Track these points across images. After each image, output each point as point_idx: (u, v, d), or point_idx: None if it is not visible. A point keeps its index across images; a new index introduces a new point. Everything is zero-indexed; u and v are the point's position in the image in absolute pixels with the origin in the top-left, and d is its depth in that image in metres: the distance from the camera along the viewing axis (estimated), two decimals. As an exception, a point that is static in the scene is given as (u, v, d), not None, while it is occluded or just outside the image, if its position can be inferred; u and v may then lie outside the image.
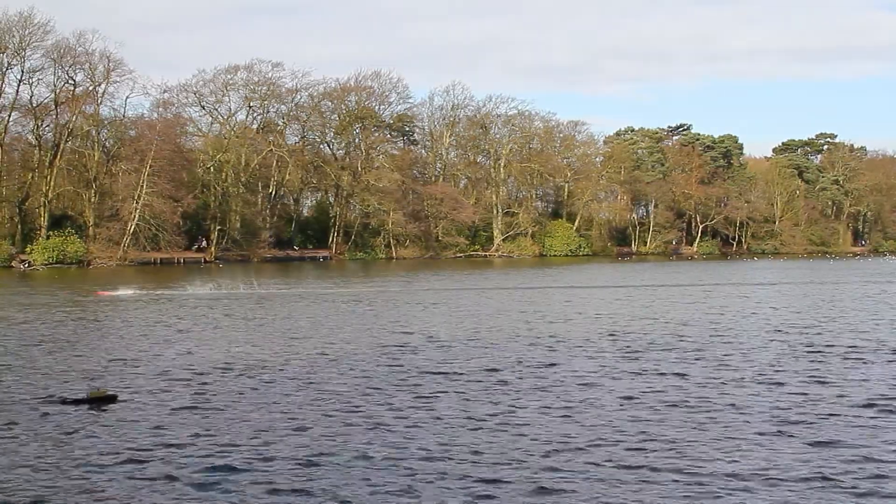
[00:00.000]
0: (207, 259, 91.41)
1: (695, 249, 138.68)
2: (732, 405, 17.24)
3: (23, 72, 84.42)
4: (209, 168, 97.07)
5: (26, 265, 77.97)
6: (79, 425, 15.71)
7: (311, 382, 19.92)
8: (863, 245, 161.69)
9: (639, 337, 27.69)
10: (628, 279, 65.31)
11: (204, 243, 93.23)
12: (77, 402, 17.47)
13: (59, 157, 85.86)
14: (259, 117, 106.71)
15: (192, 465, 13.25)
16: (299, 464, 13.33)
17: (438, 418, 16.16)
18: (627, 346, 25.47)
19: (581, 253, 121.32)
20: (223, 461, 13.44)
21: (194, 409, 17.05)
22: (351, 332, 29.60)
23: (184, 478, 12.62)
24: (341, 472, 12.88)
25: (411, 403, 17.43)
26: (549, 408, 17.07)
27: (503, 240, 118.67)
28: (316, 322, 32.80)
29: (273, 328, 31.10)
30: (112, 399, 17.59)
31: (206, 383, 19.88)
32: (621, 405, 17.35)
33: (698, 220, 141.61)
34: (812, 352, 24.61)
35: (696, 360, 23.25)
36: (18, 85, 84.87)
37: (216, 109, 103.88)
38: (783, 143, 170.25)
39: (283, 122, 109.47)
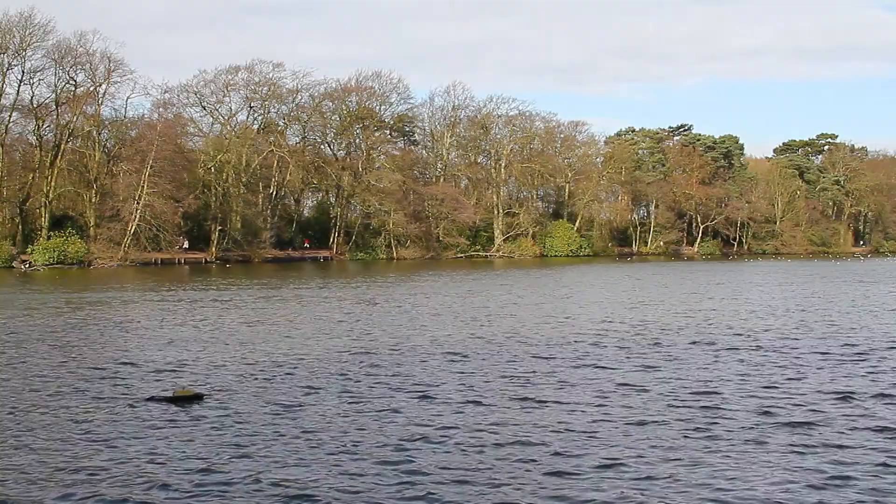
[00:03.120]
0: (208, 259, 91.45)
1: (695, 250, 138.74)
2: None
3: (23, 72, 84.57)
4: (210, 168, 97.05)
5: (27, 265, 77.96)
6: (165, 424, 15.59)
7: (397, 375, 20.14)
8: (863, 245, 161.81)
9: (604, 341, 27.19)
10: (620, 280, 65.28)
11: (186, 244, 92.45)
12: (163, 400, 17.36)
13: (59, 157, 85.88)
14: (260, 118, 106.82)
15: (277, 467, 12.98)
16: (395, 466, 13.05)
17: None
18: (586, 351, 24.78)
19: (582, 253, 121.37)
20: (308, 462, 13.24)
21: (280, 409, 16.81)
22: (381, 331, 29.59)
23: (267, 479, 12.38)
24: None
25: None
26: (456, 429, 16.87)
27: (504, 240, 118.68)
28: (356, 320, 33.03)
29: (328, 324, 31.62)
30: (198, 398, 17.43)
31: (288, 382, 19.70)
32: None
33: (699, 220, 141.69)
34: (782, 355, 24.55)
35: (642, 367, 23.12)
36: (19, 85, 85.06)
37: (217, 110, 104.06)
38: (784, 144, 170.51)
39: (284, 123, 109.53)
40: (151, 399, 17.52)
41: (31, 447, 14.11)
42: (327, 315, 35.34)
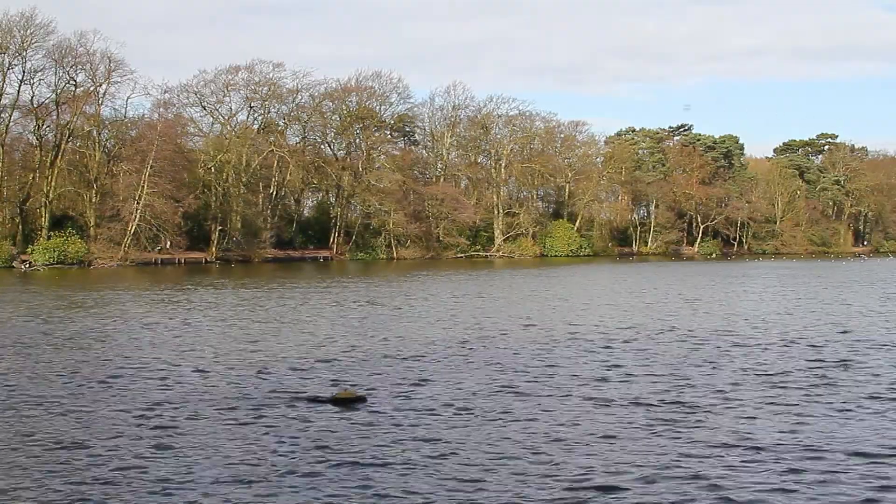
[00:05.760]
0: (208, 259, 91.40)
1: (696, 250, 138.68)
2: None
3: (24, 72, 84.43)
4: (210, 168, 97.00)
5: (27, 265, 77.94)
6: (327, 426, 15.41)
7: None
8: (864, 245, 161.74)
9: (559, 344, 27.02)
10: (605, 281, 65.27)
11: (168, 244, 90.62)
12: (325, 401, 17.15)
13: (59, 157, 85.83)
14: (260, 117, 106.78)
15: (439, 481, 12.48)
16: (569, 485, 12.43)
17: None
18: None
19: (582, 253, 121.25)
20: (492, 467, 12.91)
21: (445, 418, 16.19)
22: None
23: (426, 493, 12.06)
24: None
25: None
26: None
27: (504, 240, 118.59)
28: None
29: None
30: (361, 400, 17.10)
31: (440, 382, 19.53)
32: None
33: (699, 220, 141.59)
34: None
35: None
36: (19, 85, 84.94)
37: (217, 110, 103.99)
38: (784, 144, 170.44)
39: (284, 123, 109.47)
40: (314, 399, 17.30)
41: (214, 448, 14.13)
42: (426, 309, 36.76)
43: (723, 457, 13.58)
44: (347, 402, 16.88)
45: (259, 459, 13.39)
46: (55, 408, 17.02)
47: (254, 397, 17.76)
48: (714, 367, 21.90)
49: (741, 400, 17.79)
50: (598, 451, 13.95)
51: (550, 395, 18.10)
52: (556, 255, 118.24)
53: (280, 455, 13.63)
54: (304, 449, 13.96)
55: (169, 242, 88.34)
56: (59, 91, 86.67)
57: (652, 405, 17.27)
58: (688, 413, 16.55)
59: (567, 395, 18.14)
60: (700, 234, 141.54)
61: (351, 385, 18.80)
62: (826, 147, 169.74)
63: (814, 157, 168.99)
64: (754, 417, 16.23)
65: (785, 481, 12.40)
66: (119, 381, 19.89)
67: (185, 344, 26.22)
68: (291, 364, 22.08)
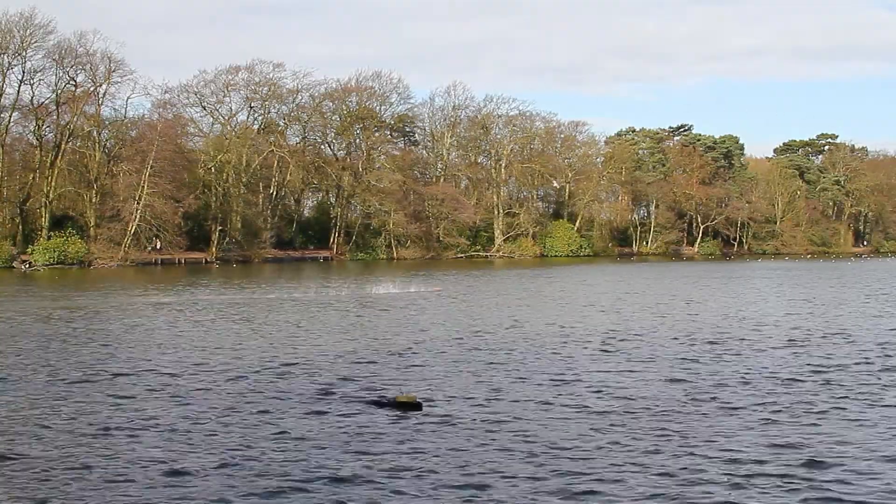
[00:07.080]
0: (209, 259, 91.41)
1: (696, 250, 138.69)
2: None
3: (24, 72, 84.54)
4: (210, 168, 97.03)
5: (27, 266, 77.96)
6: (381, 429, 15.46)
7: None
8: (864, 245, 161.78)
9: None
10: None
11: (158, 246, 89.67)
12: (386, 404, 17.20)
13: (60, 157, 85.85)
14: (260, 118, 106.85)
15: (489, 490, 12.20)
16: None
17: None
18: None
19: (582, 253, 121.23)
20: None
21: (502, 427, 15.94)
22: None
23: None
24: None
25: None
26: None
27: (504, 240, 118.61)
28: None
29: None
30: (417, 406, 16.98)
31: (505, 384, 19.47)
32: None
33: (699, 220, 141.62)
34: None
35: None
36: (19, 85, 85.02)
37: (217, 110, 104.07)
38: (784, 144, 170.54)
39: (285, 123, 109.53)
40: (374, 403, 17.39)
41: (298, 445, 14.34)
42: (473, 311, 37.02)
43: (724, 459, 13.58)
44: (404, 407, 16.94)
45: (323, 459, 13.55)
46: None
47: (334, 395, 18.16)
48: (714, 370, 21.90)
49: (743, 402, 17.79)
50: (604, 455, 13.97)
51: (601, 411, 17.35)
52: (556, 256, 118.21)
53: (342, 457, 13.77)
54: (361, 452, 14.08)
55: (159, 244, 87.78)
56: (59, 91, 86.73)
57: (655, 409, 17.29)
58: (690, 415, 16.57)
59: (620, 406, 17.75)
60: (700, 235, 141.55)
61: (412, 390, 18.79)
62: (826, 147, 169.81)
63: (814, 158, 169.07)
64: (755, 420, 16.24)
65: (784, 483, 12.40)
66: (176, 381, 20.15)
67: (236, 343, 26.42)
68: (339, 366, 22.10)
